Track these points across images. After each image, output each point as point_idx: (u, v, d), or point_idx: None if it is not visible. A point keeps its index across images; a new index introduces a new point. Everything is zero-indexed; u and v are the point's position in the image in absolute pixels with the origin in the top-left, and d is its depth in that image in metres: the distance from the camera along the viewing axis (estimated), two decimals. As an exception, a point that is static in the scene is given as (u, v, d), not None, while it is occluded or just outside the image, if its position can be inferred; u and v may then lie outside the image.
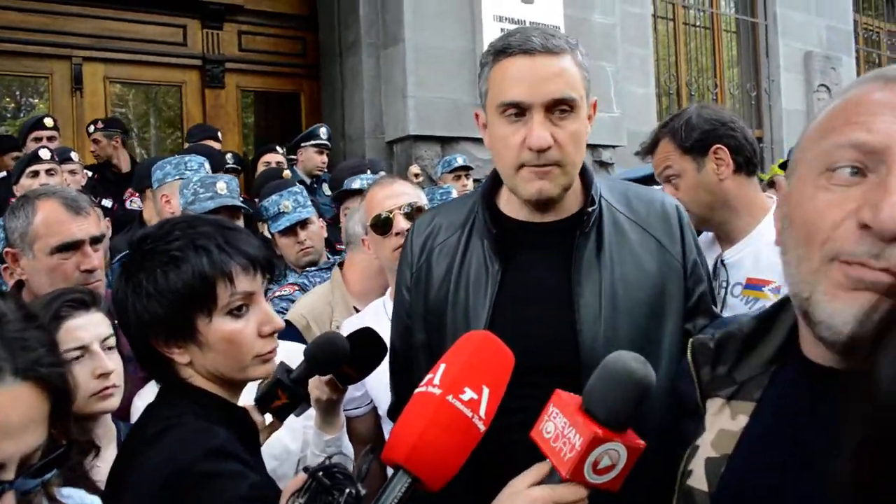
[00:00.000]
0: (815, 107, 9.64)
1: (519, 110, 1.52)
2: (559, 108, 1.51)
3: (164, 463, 1.20)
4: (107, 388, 1.78)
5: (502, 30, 6.07)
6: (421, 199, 2.42)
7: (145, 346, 1.35)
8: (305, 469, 1.02)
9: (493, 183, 1.70)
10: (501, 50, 1.55)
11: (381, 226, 2.30)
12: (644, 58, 7.86)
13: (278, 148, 5.05)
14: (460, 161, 5.36)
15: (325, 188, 5.31)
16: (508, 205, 1.66)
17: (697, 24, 9.06)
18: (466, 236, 1.67)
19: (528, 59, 1.52)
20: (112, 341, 1.84)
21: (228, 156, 5.43)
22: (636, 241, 1.62)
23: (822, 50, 9.88)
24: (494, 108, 1.56)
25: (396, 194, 2.35)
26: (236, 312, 1.34)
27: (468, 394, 1.03)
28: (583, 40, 6.53)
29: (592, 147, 6.75)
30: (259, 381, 1.54)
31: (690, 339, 1.14)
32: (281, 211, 3.41)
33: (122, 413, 2.02)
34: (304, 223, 3.37)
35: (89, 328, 1.79)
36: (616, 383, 1.00)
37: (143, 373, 2.35)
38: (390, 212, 2.30)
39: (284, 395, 1.58)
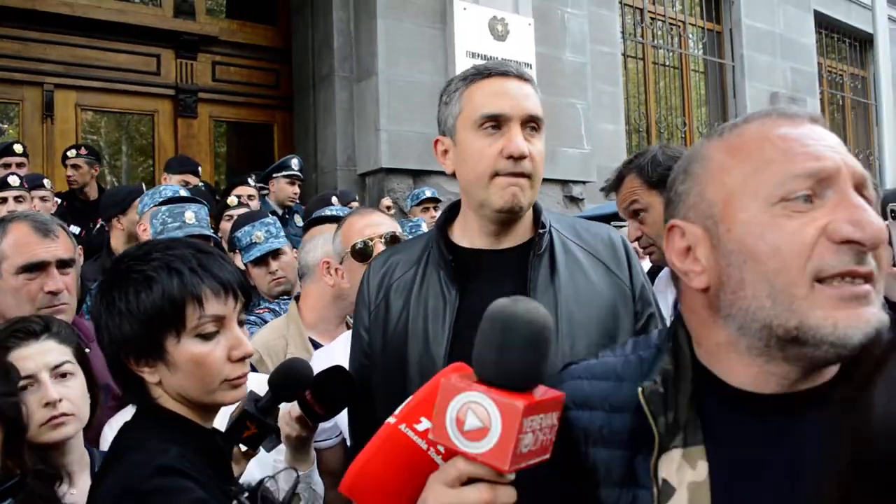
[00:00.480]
0: (780, 146, 9.85)
1: (496, 123, 1.59)
2: (531, 124, 1.61)
3: (115, 483, 1.20)
4: (55, 416, 1.76)
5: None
6: (397, 228, 2.45)
7: (119, 365, 1.35)
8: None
9: (448, 216, 1.76)
10: (477, 73, 1.65)
11: (361, 253, 2.33)
12: (614, 95, 8.00)
13: (250, 180, 5.04)
14: (428, 193, 5.41)
15: (298, 219, 5.32)
16: (464, 235, 1.72)
17: (667, 63, 9.25)
18: (423, 269, 1.71)
19: (505, 80, 1.63)
20: (67, 367, 1.83)
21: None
22: (586, 264, 1.68)
23: (787, 91, 10.12)
24: (471, 123, 1.62)
25: (376, 223, 2.39)
26: (205, 335, 1.34)
27: (424, 423, 0.96)
28: (554, 78, 6.68)
29: (563, 182, 6.84)
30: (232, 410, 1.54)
31: (640, 390, 0.99)
32: (253, 241, 3.42)
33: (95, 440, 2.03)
34: (275, 253, 3.38)
35: (36, 357, 1.78)
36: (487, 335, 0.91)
37: (115, 401, 2.36)
38: (370, 239, 2.33)
39: (253, 425, 1.58)
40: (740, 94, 9.68)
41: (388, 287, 1.74)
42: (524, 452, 0.84)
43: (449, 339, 1.61)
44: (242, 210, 4.22)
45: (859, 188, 0.92)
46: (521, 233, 1.69)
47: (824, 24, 11.19)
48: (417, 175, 5.98)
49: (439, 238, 1.71)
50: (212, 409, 1.42)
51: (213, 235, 3.52)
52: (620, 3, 8.46)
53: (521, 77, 1.64)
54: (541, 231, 1.67)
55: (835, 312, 0.87)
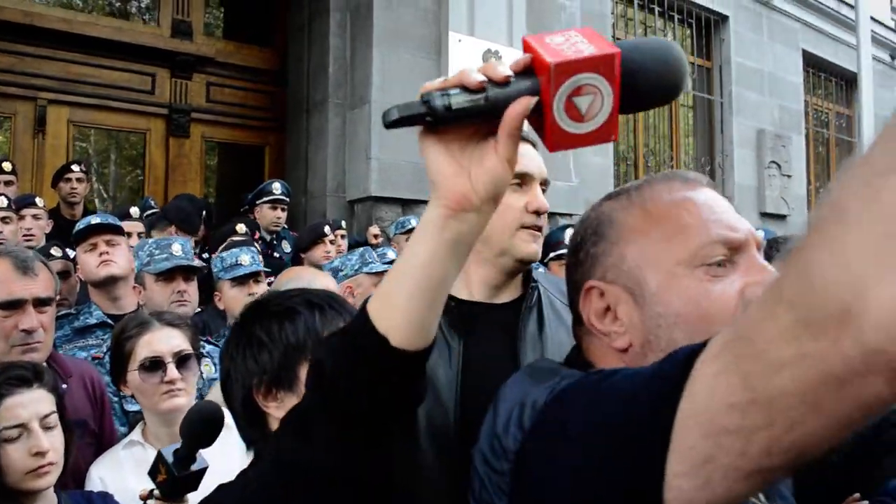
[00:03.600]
0: (765, 182, 9.99)
1: (522, 181, 1.70)
2: (543, 185, 1.74)
3: None
4: (42, 466, 1.82)
5: (467, 97, 6.23)
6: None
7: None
8: None
9: None
10: None
11: None
12: (604, 129, 8.09)
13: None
14: (413, 222, 5.46)
15: (286, 245, 5.34)
16: (462, 286, 1.77)
17: (656, 97, 9.37)
18: None
19: (524, 143, 1.72)
20: (53, 419, 1.89)
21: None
22: (570, 321, 1.75)
23: (773, 128, 10.27)
24: None
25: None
26: None
27: None
28: (544, 115, 6.66)
29: (551, 215, 6.90)
30: None
31: None
32: (238, 262, 3.47)
33: (71, 482, 2.08)
34: (257, 276, 3.44)
35: (29, 406, 1.85)
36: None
37: (91, 437, 2.38)
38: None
39: (164, 470, 1.59)
40: (727, 129, 9.81)
41: None
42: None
43: (459, 387, 1.66)
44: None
45: (759, 249, 1.03)
46: (513, 288, 1.78)
47: (812, 62, 11.37)
48: (406, 204, 6.03)
49: None
50: None
51: (200, 266, 3.57)
52: (614, 37, 8.57)
53: (534, 143, 1.77)
54: (532, 287, 1.77)
55: None
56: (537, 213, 1.69)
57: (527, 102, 0.83)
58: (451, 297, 1.75)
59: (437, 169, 0.90)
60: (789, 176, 10.36)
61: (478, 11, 6.45)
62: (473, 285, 1.76)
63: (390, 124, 0.89)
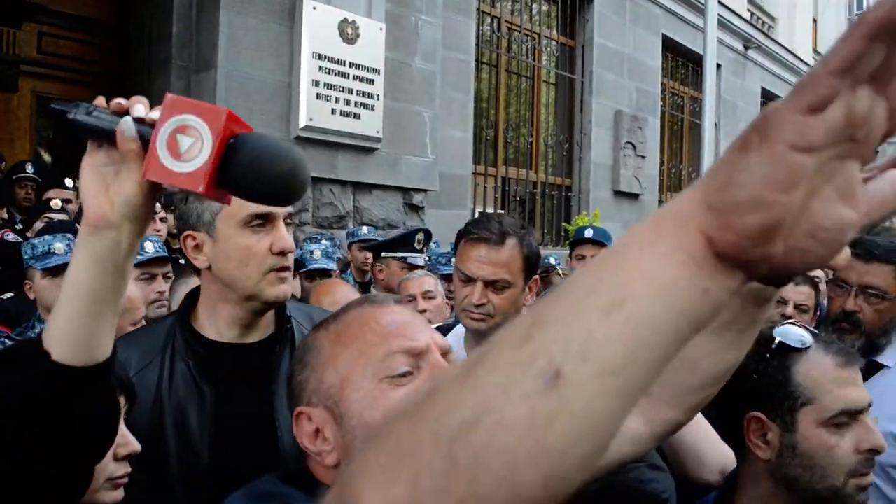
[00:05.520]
0: (621, 162, 10.34)
1: (264, 221, 1.62)
2: (289, 220, 1.69)
3: None
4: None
5: (321, 68, 6.06)
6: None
7: None
8: None
9: (190, 306, 1.74)
10: None
11: None
12: (464, 103, 8.10)
13: (68, 182, 4.72)
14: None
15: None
16: (210, 326, 1.71)
17: (520, 73, 9.46)
18: (169, 365, 1.68)
19: None
20: None
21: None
22: None
23: (631, 110, 10.62)
24: (237, 221, 1.62)
25: None
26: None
27: None
28: (402, 84, 6.67)
29: (404, 190, 6.88)
30: None
31: None
32: (52, 251, 3.24)
33: None
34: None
35: None
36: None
37: None
38: None
39: None
40: (587, 109, 10.06)
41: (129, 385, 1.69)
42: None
43: (211, 433, 1.60)
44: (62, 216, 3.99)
45: (445, 354, 1.12)
46: (265, 326, 1.74)
47: (671, 48, 11.79)
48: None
49: (185, 331, 1.69)
50: None
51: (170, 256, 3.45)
52: (478, 10, 8.55)
53: None
54: (287, 327, 1.74)
55: None
56: (283, 253, 1.63)
57: (130, 129, 0.96)
58: (199, 340, 1.70)
59: (85, 188, 1.00)
60: (644, 156, 10.77)
61: (336, -21, 6.24)
62: (222, 325, 1.70)
63: (50, 112, 1.02)
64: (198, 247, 1.67)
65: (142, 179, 0.97)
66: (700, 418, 1.68)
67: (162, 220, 4.96)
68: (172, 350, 1.69)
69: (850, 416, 1.40)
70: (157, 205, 5.01)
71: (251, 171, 0.92)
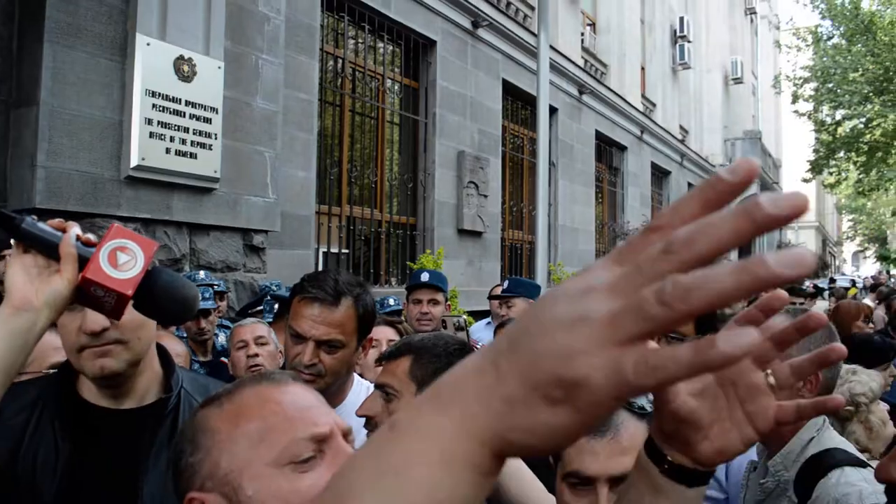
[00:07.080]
0: (464, 201, 10.62)
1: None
2: None
3: None
4: None
5: (154, 105, 5.87)
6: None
7: None
8: None
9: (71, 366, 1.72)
10: None
11: None
12: (307, 142, 8.07)
13: None
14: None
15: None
16: (85, 387, 1.69)
17: (364, 113, 9.55)
18: (37, 416, 1.64)
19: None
20: None
21: None
22: None
23: (473, 150, 10.96)
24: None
25: None
26: None
27: None
28: (242, 124, 6.56)
29: (244, 231, 6.75)
30: None
31: None
32: None
33: None
34: None
35: None
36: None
37: None
38: None
39: None
40: (430, 149, 10.28)
41: None
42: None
43: (60, 489, 1.56)
44: None
45: (346, 436, 1.11)
46: (142, 392, 1.70)
47: (511, 91, 12.30)
48: (79, 218, 5.52)
49: (59, 390, 1.67)
50: None
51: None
52: (322, 50, 8.59)
53: None
54: (166, 396, 1.70)
55: None
56: (93, 333, 1.60)
57: (73, 242, 1.28)
58: (71, 398, 1.67)
59: (13, 280, 1.26)
60: (486, 195, 11.12)
61: (171, 15, 6.08)
62: (93, 388, 1.69)
63: None
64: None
65: (73, 278, 1.25)
66: (520, 464, 1.72)
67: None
68: (43, 407, 1.66)
69: None
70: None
71: (169, 290, 1.31)
